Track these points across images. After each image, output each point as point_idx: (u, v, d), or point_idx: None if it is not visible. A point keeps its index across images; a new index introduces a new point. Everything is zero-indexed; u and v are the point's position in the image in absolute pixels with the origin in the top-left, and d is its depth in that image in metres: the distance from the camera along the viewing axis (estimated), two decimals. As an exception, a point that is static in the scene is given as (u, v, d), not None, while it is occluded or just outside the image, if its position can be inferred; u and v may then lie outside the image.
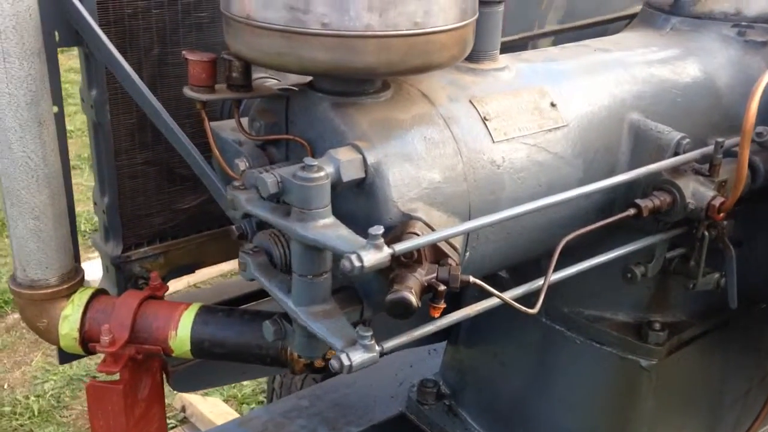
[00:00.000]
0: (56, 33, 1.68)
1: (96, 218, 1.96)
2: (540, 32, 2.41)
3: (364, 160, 1.39)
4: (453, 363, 2.39)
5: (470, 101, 1.57)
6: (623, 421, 2.01)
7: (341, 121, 1.44)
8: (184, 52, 1.48)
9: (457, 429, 2.32)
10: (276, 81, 1.80)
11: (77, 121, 8.10)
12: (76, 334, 1.71)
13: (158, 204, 1.98)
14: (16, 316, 5.01)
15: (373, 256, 1.18)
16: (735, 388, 2.20)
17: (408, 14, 1.28)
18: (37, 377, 4.60)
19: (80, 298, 1.73)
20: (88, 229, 5.55)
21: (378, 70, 1.36)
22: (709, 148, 1.65)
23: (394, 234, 1.38)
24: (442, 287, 1.30)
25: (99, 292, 1.78)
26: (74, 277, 1.74)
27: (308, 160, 1.27)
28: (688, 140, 1.68)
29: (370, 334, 1.23)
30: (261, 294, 2.31)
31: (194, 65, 1.46)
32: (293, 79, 1.77)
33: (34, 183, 1.58)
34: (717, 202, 1.60)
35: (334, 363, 1.22)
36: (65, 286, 1.71)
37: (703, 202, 1.62)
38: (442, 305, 1.32)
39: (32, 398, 4.39)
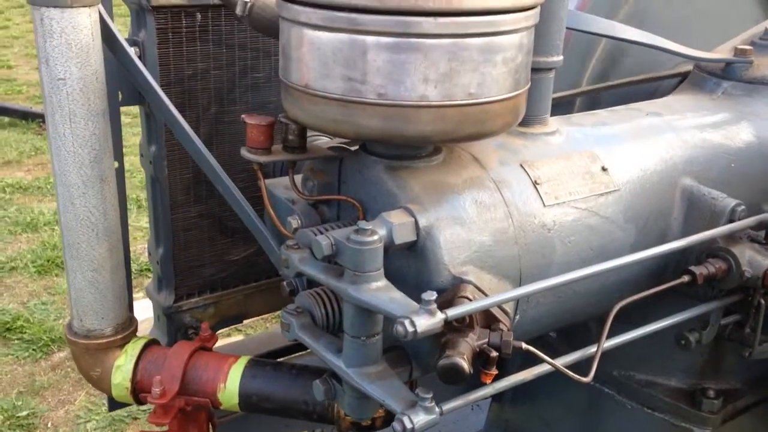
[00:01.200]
0: (120, 93, 1.75)
1: (141, 259, 2.01)
2: (586, 89, 2.42)
3: (416, 223, 1.40)
4: (498, 422, 2.37)
5: (521, 165, 1.59)
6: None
7: (394, 184, 1.46)
8: (243, 116, 1.53)
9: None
10: (328, 139, 1.84)
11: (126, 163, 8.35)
12: (128, 384, 1.74)
13: (210, 255, 2.02)
14: (62, 354, 5.10)
15: (426, 322, 1.19)
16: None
17: (463, 85, 1.31)
18: (80, 416, 4.66)
19: (133, 348, 1.76)
20: (133, 269, 5.66)
21: (432, 138, 1.39)
22: (765, 215, 1.63)
23: (445, 297, 1.38)
24: (494, 353, 1.30)
25: (151, 343, 1.81)
26: (128, 327, 1.78)
27: (362, 224, 1.30)
28: (743, 207, 1.66)
29: (430, 396, 1.24)
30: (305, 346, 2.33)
31: (252, 129, 1.51)
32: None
33: (93, 237, 1.63)
34: (774, 270, 1.58)
35: (396, 426, 1.22)
36: (119, 336, 1.75)
37: (760, 270, 1.59)
38: (494, 372, 1.31)
39: (75, 438, 4.44)
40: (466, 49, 1.29)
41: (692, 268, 1.60)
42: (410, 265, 1.44)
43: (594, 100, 2.42)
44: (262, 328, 4.73)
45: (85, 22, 1.49)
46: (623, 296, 1.61)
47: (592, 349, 1.49)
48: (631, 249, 1.67)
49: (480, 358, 1.31)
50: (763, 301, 1.67)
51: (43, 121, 7.95)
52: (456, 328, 1.31)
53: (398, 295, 1.29)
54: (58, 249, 6.03)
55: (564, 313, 1.66)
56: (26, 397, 4.55)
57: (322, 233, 1.46)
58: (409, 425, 1.23)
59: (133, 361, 1.74)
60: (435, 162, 1.52)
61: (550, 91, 1.68)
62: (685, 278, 1.59)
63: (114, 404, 1.97)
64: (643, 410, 1.94)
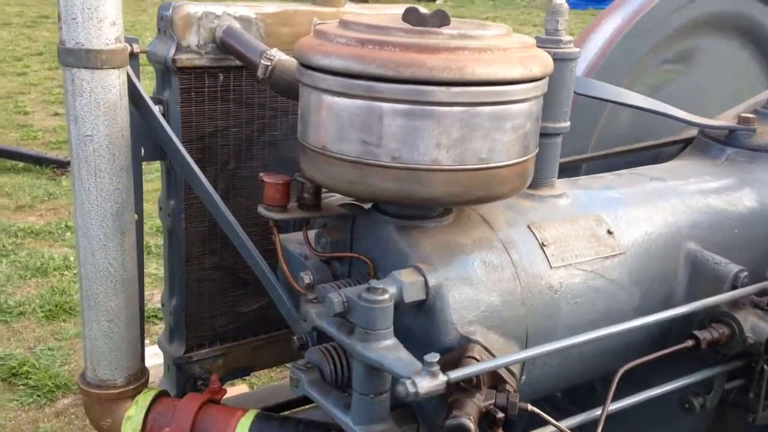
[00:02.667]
0: (142, 148, 1.82)
1: (148, 305, 2.04)
2: (592, 155, 2.48)
3: (426, 282, 1.44)
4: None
5: (529, 227, 1.63)
6: None
7: (405, 243, 1.50)
8: (261, 174, 1.58)
9: None
10: (340, 196, 1.89)
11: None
12: (138, 435, 1.76)
13: (221, 307, 2.06)
14: (66, 401, 5.09)
15: (428, 384, 1.22)
16: None
17: (474, 151, 1.37)
18: (82, 464, 4.63)
19: (144, 399, 1.79)
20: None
21: (443, 201, 1.43)
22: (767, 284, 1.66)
23: (452, 357, 1.41)
24: (501, 414, 1.32)
25: (161, 394, 1.84)
26: (140, 378, 1.81)
27: (374, 283, 1.34)
28: (745, 273, 1.70)
29: None
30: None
31: (269, 187, 1.56)
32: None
33: (111, 288, 1.67)
34: (776, 337, 1.61)
35: (399, 483, 1.24)
36: (131, 387, 1.77)
37: (762, 336, 1.62)
38: (499, 432, 1.34)
39: (76, 487, 4.40)
40: (477, 117, 1.35)
41: (696, 332, 1.63)
42: (419, 323, 1.48)
43: (599, 165, 2.48)
44: (267, 378, 4.73)
45: (114, 83, 1.56)
46: (628, 358, 1.63)
47: (597, 411, 1.51)
48: (636, 311, 1.70)
49: (486, 419, 1.33)
50: (766, 367, 1.69)
51: (57, 167, 8.09)
52: (463, 387, 1.34)
53: (404, 354, 1.32)
54: (66, 294, 6.06)
55: (569, 374, 1.69)
56: (29, 443, 4.53)
57: (335, 291, 1.51)
58: (413, 487, 1.25)
59: (143, 412, 1.77)
60: (445, 222, 1.56)
61: (558, 155, 1.74)
62: (689, 343, 1.62)
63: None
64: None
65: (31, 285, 6.05)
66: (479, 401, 1.32)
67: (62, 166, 7.88)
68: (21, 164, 7.70)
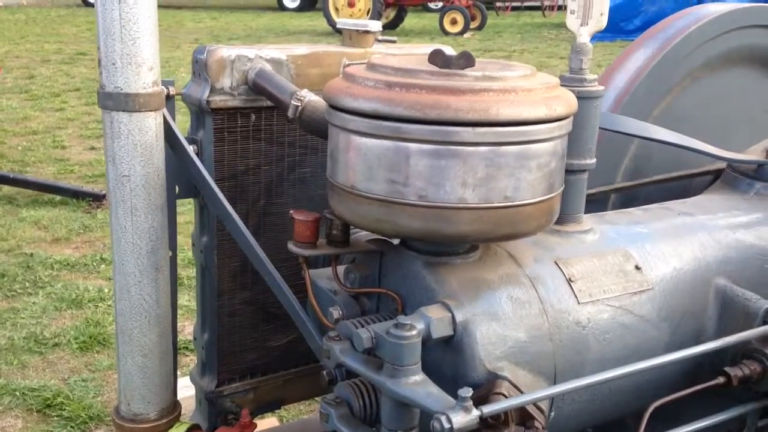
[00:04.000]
0: (177, 187, 1.87)
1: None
2: (619, 186, 2.49)
3: (453, 318, 1.46)
4: None
5: (555, 262, 1.64)
6: None
7: (432, 279, 1.53)
8: (291, 212, 1.62)
9: None
10: (368, 232, 1.92)
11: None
12: (170, 468, 1.79)
13: (252, 341, 2.09)
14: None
15: (463, 419, 1.23)
16: None
17: (499, 189, 1.39)
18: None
19: (176, 432, 1.82)
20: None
21: (469, 237, 1.46)
22: (799, 318, 1.65)
23: (480, 393, 1.42)
24: (527, 452, 1.33)
25: (193, 428, 1.86)
26: (173, 412, 1.84)
27: (402, 318, 1.36)
28: (776, 308, 1.68)
29: None
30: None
31: (299, 225, 1.60)
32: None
33: (146, 323, 1.71)
34: (809, 375, 1.59)
35: None
36: (164, 421, 1.81)
37: (794, 373, 1.60)
38: (527, 470, 1.34)
39: None
40: (502, 156, 1.37)
41: (727, 369, 1.62)
42: (446, 359, 1.49)
43: (628, 196, 2.48)
44: (296, 411, 4.74)
45: (150, 125, 1.62)
46: (659, 394, 1.63)
47: (628, 448, 1.50)
48: (666, 348, 1.69)
49: (514, 455, 1.34)
50: (800, 404, 1.67)
51: (93, 200, 8.25)
52: (491, 425, 1.35)
53: (435, 389, 1.34)
54: (101, 326, 6.14)
55: (599, 411, 1.68)
56: (62, 474, 4.58)
57: (362, 325, 1.53)
58: None
59: (176, 444, 1.80)
60: (472, 259, 1.58)
61: (584, 191, 1.75)
62: (720, 379, 1.61)
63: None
64: None
65: (66, 317, 6.15)
66: (507, 438, 1.33)
67: (98, 199, 8.04)
68: (58, 198, 7.88)
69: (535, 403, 1.41)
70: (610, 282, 1.66)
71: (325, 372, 1.68)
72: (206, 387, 2.03)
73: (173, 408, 1.85)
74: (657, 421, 1.64)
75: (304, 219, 1.59)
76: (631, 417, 1.89)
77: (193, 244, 2.01)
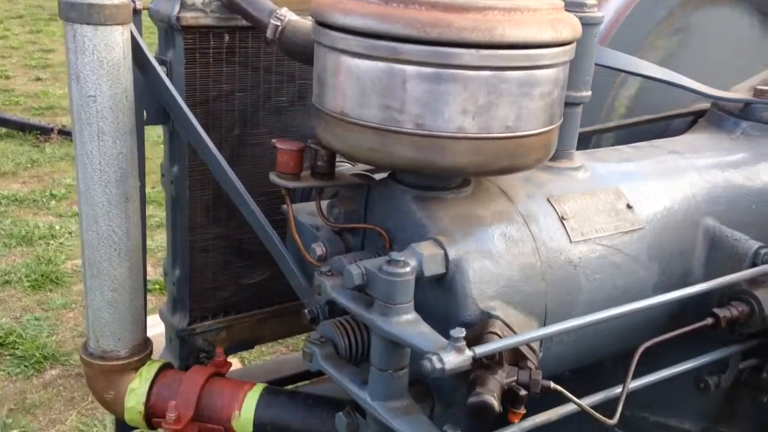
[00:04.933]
0: (145, 112, 1.74)
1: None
2: (605, 126, 2.44)
3: (446, 255, 1.39)
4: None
5: (548, 200, 1.58)
6: None
7: (423, 215, 1.45)
8: (274, 141, 1.52)
9: None
10: (350, 166, 1.83)
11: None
12: (141, 408, 1.71)
13: (225, 278, 2.00)
14: (54, 372, 5.03)
15: (455, 359, 1.18)
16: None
17: (500, 118, 1.31)
18: (70, 437, 4.58)
19: (148, 371, 1.73)
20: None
21: (466, 170, 1.38)
22: (788, 260, 1.63)
23: (473, 333, 1.37)
24: (523, 392, 1.28)
25: (165, 366, 1.78)
26: (144, 350, 1.75)
27: (395, 255, 1.28)
28: (766, 250, 1.66)
29: None
30: (316, 373, 2.31)
31: (283, 154, 1.50)
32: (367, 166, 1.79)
33: (115, 256, 1.61)
34: (797, 316, 1.58)
35: (423, 463, 1.21)
36: (135, 359, 1.72)
37: (783, 314, 1.59)
38: (522, 411, 1.30)
39: (65, 458, 4.36)
40: (505, 82, 1.29)
41: (716, 310, 1.59)
42: (437, 297, 1.43)
43: (609, 138, 2.43)
44: (258, 353, 4.69)
45: (117, 40, 1.49)
46: (644, 336, 1.60)
47: (617, 389, 1.48)
48: (654, 288, 1.66)
49: (508, 397, 1.29)
50: (785, 346, 1.66)
51: (41, 133, 7.93)
52: (485, 364, 1.29)
53: (426, 329, 1.28)
54: (53, 263, 5.97)
55: (585, 352, 1.65)
56: (17, 414, 4.47)
57: (354, 263, 1.45)
58: (437, 464, 1.21)
59: (148, 384, 1.72)
60: (464, 194, 1.51)
61: (578, 126, 1.69)
62: (708, 321, 1.59)
63: (121, 428, 1.94)
64: (657, 453, 1.92)
65: (16, 254, 5.95)
66: (501, 378, 1.28)
67: (46, 132, 7.73)
68: (3, 130, 7.56)
69: (527, 343, 1.36)
70: (602, 220, 1.61)
71: (306, 310, 1.62)
72: (177, 325, 1.95)
73: (144, 345, 1.76)
74: (637, 363, 1.62)
75: (288, 148, 1.49)
76: (610, 360, 1.87)
77: (162, 175, 1.90)
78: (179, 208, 1.87)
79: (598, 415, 1.36)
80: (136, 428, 1.91)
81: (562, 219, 1.56)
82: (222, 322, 2.02)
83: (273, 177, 1.53)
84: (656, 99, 2.52)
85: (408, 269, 1.28)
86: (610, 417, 1.39)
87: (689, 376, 1.68)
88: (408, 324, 1.28)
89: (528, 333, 1.32)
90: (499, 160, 1.36)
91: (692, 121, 2.40)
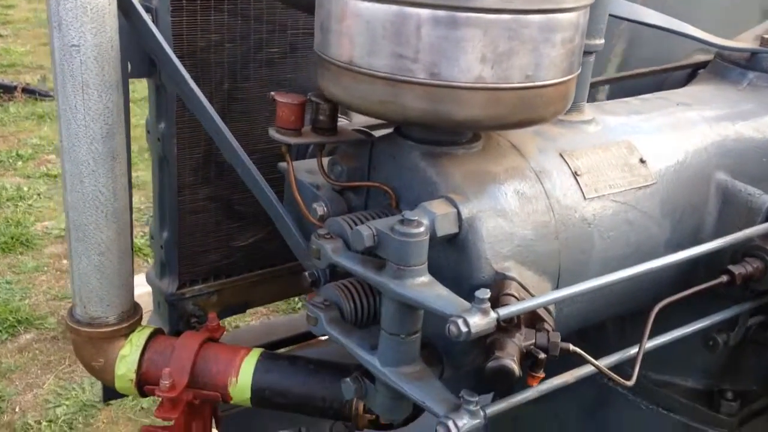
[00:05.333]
0: (129, 64, 1.63)
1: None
2: (601, 79, 2.37)
3: (459, 214, 1.32)
4: (504, 418, 2.30)
5: (560, 155, 1.51)
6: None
7: (434, 171, 1.37)
8: (272, 94, 1.42)
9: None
10: (346, 121, 1.74)
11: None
12: (133, 376, 1.63)
13: (215, 241, 1.92)
14: (29, 336, 4.92)
15: (480, 322, 1.12)
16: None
17: (520, 67, 1.23)
18: (49, 401, 4.50)
19: (138, 338, 1.65)
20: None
21: (483, 124, 1.30)
22: (803, 214, 1.58)
23: (489, 295, 1.31)
24: (542, 355, 1.23)
25: (156, 332, 1.70)
26: (133, 316, 1.67)
27: (408, 214, 1.21)
28: (780, 204, 1.61)
29: (476, 399, 1.17)
30: (308, 336, 2.25)
31: (283, 108, 1.40)
32: (362, 119, 1.71)
33: (102, 218, 1.51)
34: (813, 273, 1.54)
35: (440, 431, 1.15)
36: (125, 325, 1.64)
37: (798, 271, 1.55)
38: (542, 374, 1.24)
39: (44, 423, 4.28)
40: (526, 27, 1.20)
41: (731, 267, 1.55)
42: (448, 258, 1.36)
43: (602, 92, 2.37)
44: (233, 319, 4.61)
45: (101, -16, 1.37)
46: (656, 295, 1.56)
47: (633, 350, 1.43)
48: (665, 245, 1.61)
49: (527, 360, 1.24)
50: (796, 302, 1.62)
51: (4, 92, 7.67)
52: (502, 327, 1.23)
53: (445, 291, 1.21)
54: (23, 226, 5.82)
55: (594, 313, 1.60)
56: (-7, 380, 4.37)
57: (355, 223, 1.38)
58: (453, 429, 1.15)
59: (139, 351, 1.64)
60: (475, 149, 1.44)
61: (589, 77, 1.61)
62: (724, 278, 1.54)
63: (109, 394, 1.87)
64: (658, 411, 1.90)
65: (-16, 216, 5.76)
66: (520, 341, 1.23)
67: (9, 91, 7.46)
68: (-35, 89, 7.27)
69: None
70: (616, 176, 1.54)
71: (307, 273, 1.54)
72: (166, 289, 1.86)
73: (134, 311, 1.68)
74: (641, 322, 1.57)
75: (288, 102, 1.40)
76: (611, 321, 1.84)
77: (148, 132, 1.79)
78: (167, 168, 1.77)
79: (616, 377, 1.32)
80: (125, 395, 1.84)
81: (575, 175, 1.49)
82: (213, 286, 1.94)
83: (272, 132, 1.44)
84: (649, 51, 2.45)
85: (422, 229, 1.20)
86: (628, 379, 1.34)
87: (695, 334, 1.64)
88: (423, 286, 1.21)
89: (548, 294, 1.26)
90: (518, 113, 1.28)
91: (690, 74, 2.34)
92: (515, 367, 1.17)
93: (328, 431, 2.57)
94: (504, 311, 1.16)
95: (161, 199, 1.81)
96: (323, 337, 2.37)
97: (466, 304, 1.15)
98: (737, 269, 1.54)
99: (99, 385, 4.48)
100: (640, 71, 2.39)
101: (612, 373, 1.31)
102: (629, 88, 2.29)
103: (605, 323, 1.86)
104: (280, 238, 2.01)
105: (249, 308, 2.06)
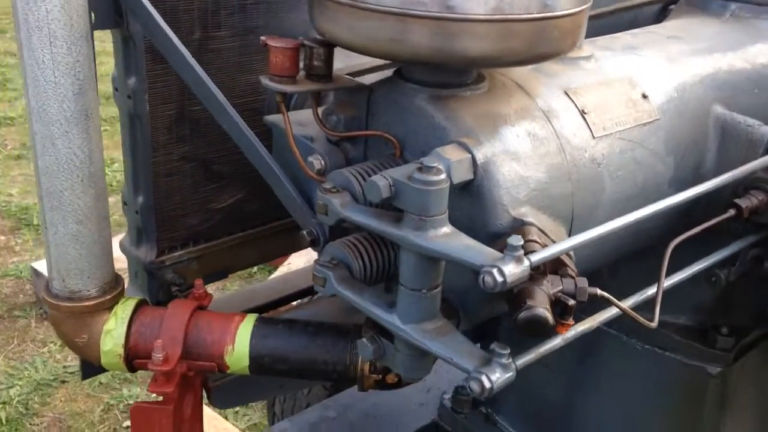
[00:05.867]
0: (92, 14, 1.48)
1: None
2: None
3: (474, 159, 1.25)
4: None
5: (566, 93, 1.45)
6: (686, 430, 1.93)
7: (442, 115, 1.29)
8: (264, 38, 1.31)
9: (497, 437, 2.22)
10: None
11: (19, 107, 7.71)
12: (121, 351, 1.53)
13: (194, 203, 1.80)
14: (-25, 316, 4.69)
15: (515, 270, 1.05)
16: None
17: (539, -4, 1.15)
18: (1, 382, 4.31)
19: (123, 310, 1.54)
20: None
21: (499, 59, 1.22)
22: (805, 143, 1.57)
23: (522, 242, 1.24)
24: (572, 302, 1.18)
25: (141, 303, 1.59)
26: (116, 287, 1.55)
27: (427, 161, 1.13)
28: (781, 134, 1.59)
29: (507, 352, 1.11)
30: (289, 299, 2.16)
31: (277, 53, 1.29)
32: (354, 63, 1.61)
33: (78, 183, 1.38)
34: (817, 201, 1.53)
35: (474, 386, 1.09)
36: (108, 297, 1.52)
37: (802, 201, 1.54)
38: (571, 322, 1.20)
39: (-2, 406, 4.11)
40: (544, -46, 1.12)
41: (737, 201, 1.52)
42: (462, 206, 1.29)
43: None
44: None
45: None
46: (657, 234, 1.53)
47: (651, 290, 1.40)
48: (669, 183, 1.58)
49: (556, 307, 1.19)
50: (795, 233, 1.61)
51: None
52: (530, 276, 1.17)
53: (471, 241, 1.14)
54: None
55: (602, 255, 1.55)
56: (-61, 365, 4.16)
57: (364, 175, 1.29)
58: (488, 384, 1.10)
59: (125, 324, 1.53)
60: (481, 90, 1.36)
61: (588, 8, 1.54)
62: (731, 212, 1.52)
63: (89, 371, 1.76)
64: (653, 350, 1.89)
65: None
66: (548, 289, 1.17)
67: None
68: None
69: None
70: (621, 113, 1.49)
71: (305, 231, 1.46)
72: (144, 257, 1.74)
73: (116, 282, 1.56)
74: (640, 261, 1.55)
75: (283, 46, 1.29)
76: (609, 265, 1.80)
77: (116, 89, 1.65)
78: (139, 127, 1.64)
79: (641, 318, 1.28)
80: (104, 370, 1.73)
81: (582, 113, 1.43)
82: (193, 252, 1.82)
83: (266, 81, 1.32)
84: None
85: (443, 176, 1.13)
86: (650, 320, 1.31)
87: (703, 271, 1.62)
88: (447, 237, 1.14)
89: (574, 238, 1.20)
90: (535, 46, 1.20)
91: (659, 10, 2.29)
92: (549, 316, 1.12)
93: (305, 395, 2.52)
94: (535, 258, 1.10)
95: (134, 162, 1.68)
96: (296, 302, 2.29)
97: (496, 253, 1.09)
98: (744, 202, 1.52)
99: (52, 362, 4.29)
100: (611, 8, 2.33)
101: (637, 316, 1.28)
102: (599, 27, 2.23)
103: (600, 271, 1.83)
104: (260, 198, 1.91)
105: (231, 273, 1.96)
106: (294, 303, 2.23)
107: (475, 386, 1.10)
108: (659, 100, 1.57)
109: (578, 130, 1.41)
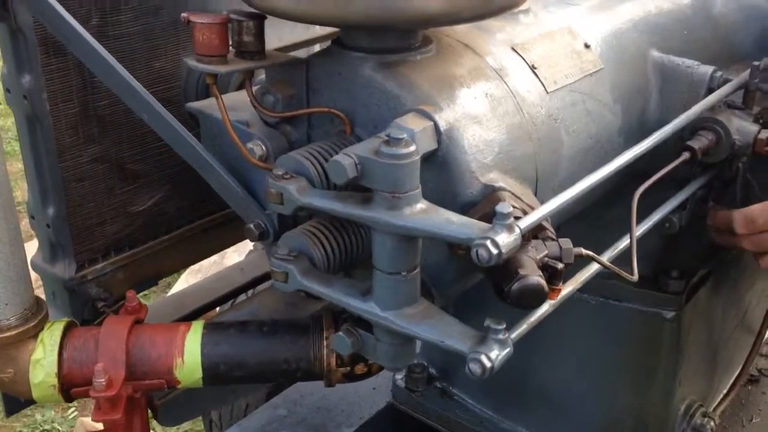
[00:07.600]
0: (-28, 3, 1.28)
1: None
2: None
3: (437, 127, 1.15)
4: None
5: (513, 49, 1.37)
6: (646, 377, 1.93)
7: (395, 83, 1.18)
8: (185, 14, 1.15)
9: (455, 410, 2.16)
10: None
11: None
12: (54, 381, 1.35)
13: (111, 209, 1.62)
14: None
15: (508, 240, 0.97)
16: (729, 326, 2.19)
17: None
18: None
19: (51, 336, 1.36)
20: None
21: (460, 14, 1.12)
22: (743, 77, 1.56)
23: (482, 211, 1.16)
24: (560, 265, 1.11)
25: (70, 326, 1.42)
26: (38, 313, 1.37)
27: (395, 133, 1.02)
28: (720, 72, 1.58)
29: (503, 326, 1.03)
30: (221, 300, 2.02)
31: (203, 30, 1.14)
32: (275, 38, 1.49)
33: (-19, 202, 1.19)
34: (764, 136, 1.52)
35: (474, 368, 1.01)
36: (31, 325, 1.34)
37: (749, 137, 1.53)
38: (561, 286, 1.13)
39: None
40: None
41: (689, 143, 1.50)
42: (428, 179, 1.19)
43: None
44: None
45: None
46: (614, 186, 1.49)
47: (624, 242, 1.36)
48: (619, 132, 1.54)
49: (545, 273, 1.11)
50: (741, 167, 1.61)
51: None
52: (513, 243, 1.09)
53: (452, 214, 1.05)
54: None
55: (566, 212, 1.49)
56: None
57: (317, 156, 1.18)
58: (488, 363, 1.02)
59: (55, 351, 1.35)
60: (430, 53, 1.26)
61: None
62: (686, 155, 1.49)
63: (12, 407, 1.56)
64: (608, 303, 1.87)
65: None
66: (534, 255, 1.10)
67: None
68: None
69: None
70: (568, 65, 1.43)
71: (251, 225, 1.33)
72: (63, 274, 1.55)
73: (38, 307, 1.37)
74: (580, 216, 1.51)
75: (209, 22, 1.14)
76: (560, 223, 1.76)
77: (8, 91, 1.44)
78: (40, 130, 1.44)
79: (623, 272, 1.24)
80: (31, 404, 1.55)
81: (533, 68, 1.36)
82: (116, 262, 1.65)
83: (193, 62, 1.17)
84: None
85: (413, 148, 1.03)
86: (631, 273, 1.27)
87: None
88: (425, 213, 1.04)
89: (556, 199, 1.14)
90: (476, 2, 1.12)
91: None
92: (544, 283, 1.05)
93: (265, 397, 2.38)
94: (524, 224, 1.03)
95: (38, 169, 1.48)
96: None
97: (484, 224, 1.00)
98: (695, 144, 1.50)
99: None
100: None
101: (619, 270, 1.23)
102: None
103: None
104: (183, 196, 1.75)
105: (160, 278, 1.79)
106: (217, 309, 2.09)
107: (475, 368, 1.02)
108: (600, 48, 1.52)
109: (532, 86, 1.34)
